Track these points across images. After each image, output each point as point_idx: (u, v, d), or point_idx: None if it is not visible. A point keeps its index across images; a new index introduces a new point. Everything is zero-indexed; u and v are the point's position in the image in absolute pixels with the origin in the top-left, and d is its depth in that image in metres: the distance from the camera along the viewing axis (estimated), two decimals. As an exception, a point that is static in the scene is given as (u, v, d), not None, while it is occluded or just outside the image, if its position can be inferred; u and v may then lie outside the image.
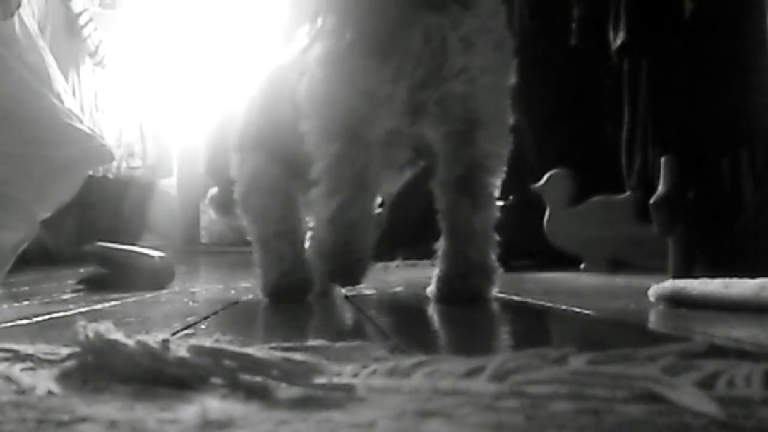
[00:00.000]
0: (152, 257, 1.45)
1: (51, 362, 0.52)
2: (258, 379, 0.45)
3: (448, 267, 1.01)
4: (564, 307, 0.95)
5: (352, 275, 1.00)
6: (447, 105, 0.96)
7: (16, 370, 0.50)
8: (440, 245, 1.02)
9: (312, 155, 0.99)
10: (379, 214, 1.21)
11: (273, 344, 0.54)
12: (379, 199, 1.18)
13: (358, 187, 0.96)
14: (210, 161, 1.38)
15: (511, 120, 1.02)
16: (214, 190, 1.37)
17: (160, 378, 0.46)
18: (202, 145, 1.41)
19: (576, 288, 1.36)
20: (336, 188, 0.95)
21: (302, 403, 0.41)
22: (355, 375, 0.47)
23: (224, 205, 1.30)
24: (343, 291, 1.18)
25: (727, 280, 0.91)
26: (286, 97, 1.07)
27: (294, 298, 1.09)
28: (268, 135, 1.14)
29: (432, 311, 1.01)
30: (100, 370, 0.48)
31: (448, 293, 1.01)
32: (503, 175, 1.03)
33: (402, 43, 0.92)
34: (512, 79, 1.01)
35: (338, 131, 0.96)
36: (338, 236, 0.95)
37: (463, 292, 1.00)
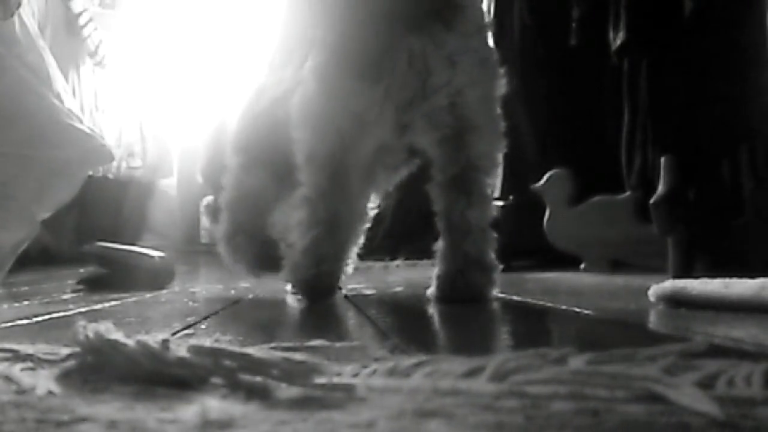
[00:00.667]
0: (152, 257, 1.45)
1: (51, 362, 0.52)
2: (258, 379, 0.45)
3: (447, 265, 1.03)
4: (564, 307, 0.95)
5: (319, 297, 1.07)
6: (433, 117, 0.99)
7: (16, 370, 0.50)
8: (438, 245, 1.04)
9: (299, 168, 1.05)
10: (378, 213, 1.23)
11: (273, 344, 0.54)
12: (377, 200, 1.20)
13: (334, 224, 1.03)
14: (206, 168, 1.39)
15: (502, 125, 1.04)
16: (209, 198, 1.38)
17: (160, 378, 0.46)
18: (200, 151, 1.42)
19: (576, 288, 1.36)
20: (312, 223, 1.02)
21: (302, 403, 0.41)
22: (355, 375, 0.47)
23: (218, 214, 1.33)
24: (343, 291, 1.19)
25: (727, 280, 0.91)
26: (280, 105, 1.11)
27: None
28: (261, 141, 1.19)
29: (432, 311, 1.01)
30: (100, 370, 0.48)
31: (449, 291, 1.02)
32: (497, 176, 1.06)
33: (389, 65, 0.96)
34: (500, 91, 1.03)
35: (326, 151, 1.01)
36: (310, 265, 1.03)
37: (463, 290, 1.01)
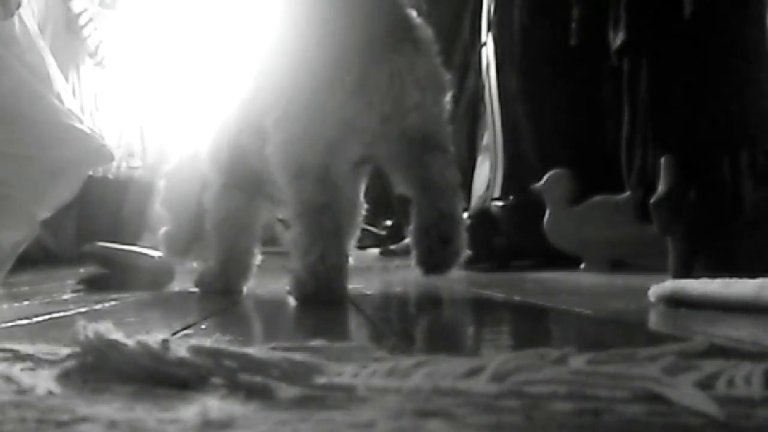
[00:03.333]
0: (152, 257, 1.45)
1: (51, 362, 0.52)
2: (258, 379, 0.45)
3: (422, 220, 1.06)
4: (564, 307, 0.95)
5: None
6: (405, 131, 1.06)
7: (16, 370, 0.50)
8: (413, 205, 1.08)
9: (281, 186, 1.07)
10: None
11: (273, 344, 0.54)
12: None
13: (338, 234, 1.04)
14: (166, 197, 1.39)
15: (448, 140, 1.11)
16: (167, 228, 1.37)
17: (160, 378, 0.46)
18: (163, 180, 1.42)
19: (576, 288, 1.36)
20: (316, 236, 1.03)
21: (302, 403, 0.41)
22: (355, 375, 0.47)
23: (178, 245, 1.34)
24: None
25: (727, 280, 0.91)
26: (252, 126, 1.14)
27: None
28: (235, 164, 1.22)
29: (432, 311, 1.01)
30: (100, 370, 0.48)
31: (425, 249, 1.06)
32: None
33: (372, 80, 1.02)
34: (448, 109, 1.12)
35: (318, 163, 1.03)
36: (320, 280, 1.03)
37: (437, 241, 1.05)
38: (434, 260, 1.06)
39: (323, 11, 1.05)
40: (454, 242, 1.05)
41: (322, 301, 1.04)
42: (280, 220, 1.44)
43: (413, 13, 1.09)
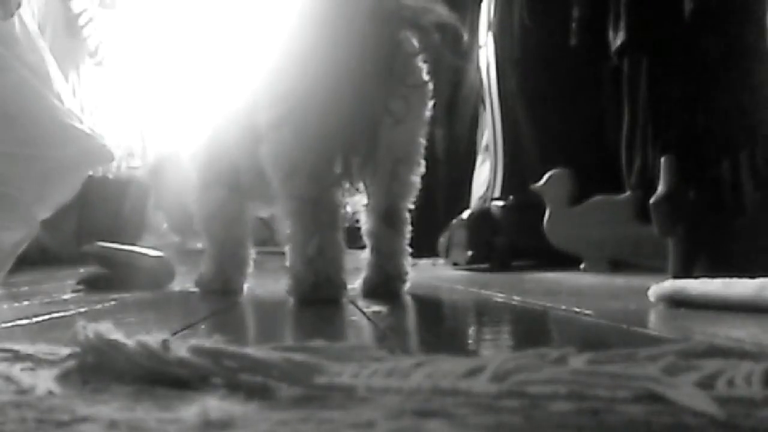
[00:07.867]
0: (152, 257, 1.45)
1: (51, 362, 0.52)
2: (258, 379, 0.45)
3: (372, 275, 1.18)
4: (564, 307, 0.95)
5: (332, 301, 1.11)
6: (389, 148, 1.11)
7: (16, 370, 0.50)
8: (365, 256, 1.18)
9: (275, 185, 1.10)
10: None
11: (273, 344, 0.54)
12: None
13: (334, 228, 1.08)
14: (160, 198, 1.41)
15: (422, 153, 1.18)
16: (167, 224, 1.40)
17: (160, 378, 0.46)
18: (153, 181, 1.44)
19: (576, 288, 1.36)
20: (313, 231, 1.06)
21: (302, 403, 0.41)
22: (355, 375, 0.47)
23: (183, 227, 1.42)
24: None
25: (727, 280, 0.91)
26: (240, 124, 1.17)
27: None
28: (215, 160, 1.26)
29: (431, 311, 1.00)
30: (100, 370, 0.48)
31: (371, 294, 1.16)
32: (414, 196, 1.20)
33: (367, 90, 1.05)
34: (426, 124, 1.17)
35: (313, 161, 1.06)
36: (319, 273, 1.07)
37: (383, 294, 1.15)
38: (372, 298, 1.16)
39: (324, 24, 1.07)
40: (399, 292, 1.17)
41: (323, 295, 1.05)
42: (261, 219, 1.46)
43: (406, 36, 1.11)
